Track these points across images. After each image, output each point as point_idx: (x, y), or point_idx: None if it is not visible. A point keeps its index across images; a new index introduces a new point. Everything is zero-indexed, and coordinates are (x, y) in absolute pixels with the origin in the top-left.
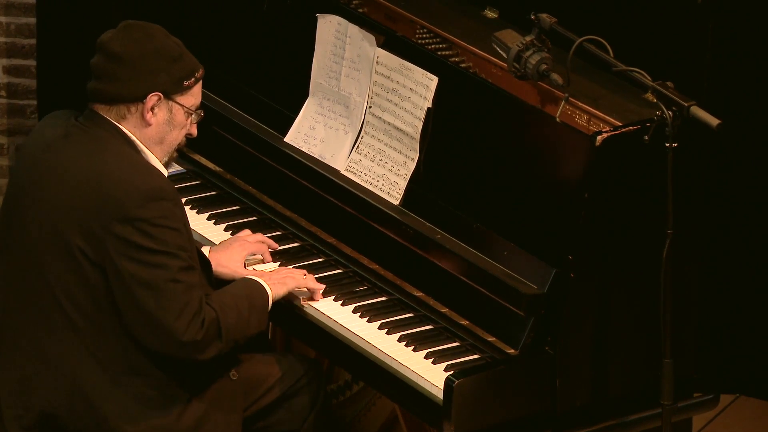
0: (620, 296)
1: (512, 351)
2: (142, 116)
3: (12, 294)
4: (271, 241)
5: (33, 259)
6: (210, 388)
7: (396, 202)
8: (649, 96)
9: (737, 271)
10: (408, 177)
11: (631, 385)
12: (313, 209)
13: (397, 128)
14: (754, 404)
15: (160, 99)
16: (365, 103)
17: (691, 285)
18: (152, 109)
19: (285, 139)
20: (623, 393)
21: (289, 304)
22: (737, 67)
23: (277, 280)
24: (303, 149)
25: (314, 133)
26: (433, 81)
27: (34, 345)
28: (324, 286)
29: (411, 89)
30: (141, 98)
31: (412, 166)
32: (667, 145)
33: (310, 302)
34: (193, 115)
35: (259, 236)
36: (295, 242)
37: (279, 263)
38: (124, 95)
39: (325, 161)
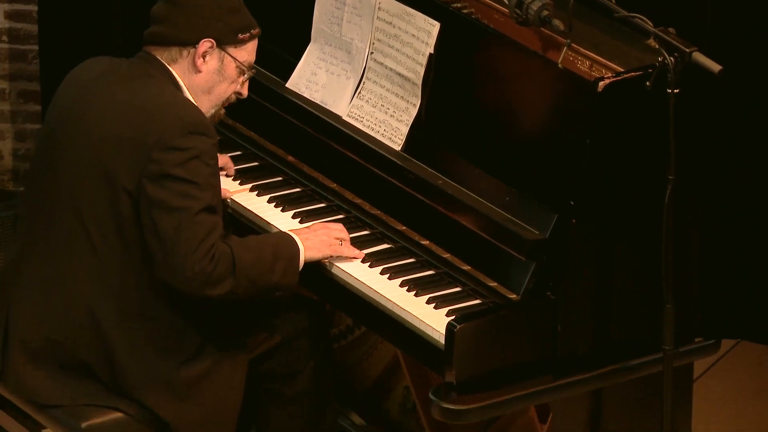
0: (622, 242)
1: (514, 296)
2: (193, 61)
3: (41, 215)
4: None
5: (67, 183)
6: (218, 338)
7: (398, 148)
8: (652, 42)
9: (739, 216)
10: (410, 123)
11: (632, 331)
12: (314, 155)
13: (399, 74)
14: (755, 349)
15: (212, 46)
16: (367, 49)
17: (692, 231)
18: (204, 55)
19: (287, 85)
20: (625, 338)
21: None
22: (739, 12)
23: (315, 243)
24: (305, 95)
25: (316, 78)
26: (435, 27)
27: (54, 268)
28: (363, 253)
29: (413, 35)
30: (194, 43)
31: (414, 111)
32: (669, 90)
33: None
34: (245, 73)
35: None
36: (297, 188)
37: (280, 207)
38: (178, 38)
39: (326, 107)
